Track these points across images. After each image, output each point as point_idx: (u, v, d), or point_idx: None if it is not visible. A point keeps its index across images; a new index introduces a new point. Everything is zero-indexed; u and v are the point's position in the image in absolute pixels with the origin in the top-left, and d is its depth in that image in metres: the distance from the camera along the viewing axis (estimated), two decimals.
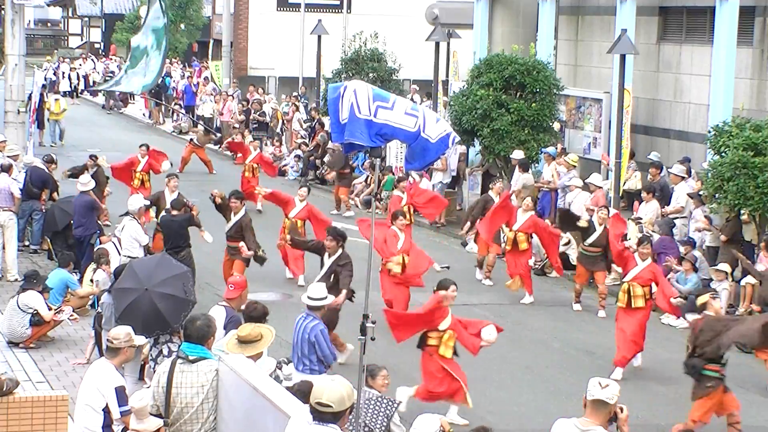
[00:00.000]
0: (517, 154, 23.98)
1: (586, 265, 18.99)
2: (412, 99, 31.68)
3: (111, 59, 58.88)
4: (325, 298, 12.30)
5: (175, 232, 17.91)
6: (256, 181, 26.60)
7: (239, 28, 47.14)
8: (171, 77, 46.74)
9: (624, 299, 15.84)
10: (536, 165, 24.90)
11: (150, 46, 24.35)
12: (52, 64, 55.84)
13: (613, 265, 18.40)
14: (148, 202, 18.47)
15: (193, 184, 28.69)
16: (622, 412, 7.60)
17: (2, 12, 29.55)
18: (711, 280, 18.58)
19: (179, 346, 11.47)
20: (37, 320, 15.45)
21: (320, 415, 7.28)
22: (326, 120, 30.59)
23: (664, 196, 21.70)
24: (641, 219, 20.77)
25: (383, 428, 10.20)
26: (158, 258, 13.79)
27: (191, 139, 32.89)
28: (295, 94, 37.83)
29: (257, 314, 11.32)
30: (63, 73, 55.16)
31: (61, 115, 37.06)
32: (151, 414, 9.60)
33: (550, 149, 24.31)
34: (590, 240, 18.85)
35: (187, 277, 12.82)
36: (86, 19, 74.87)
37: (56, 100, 37.44)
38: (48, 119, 36.43)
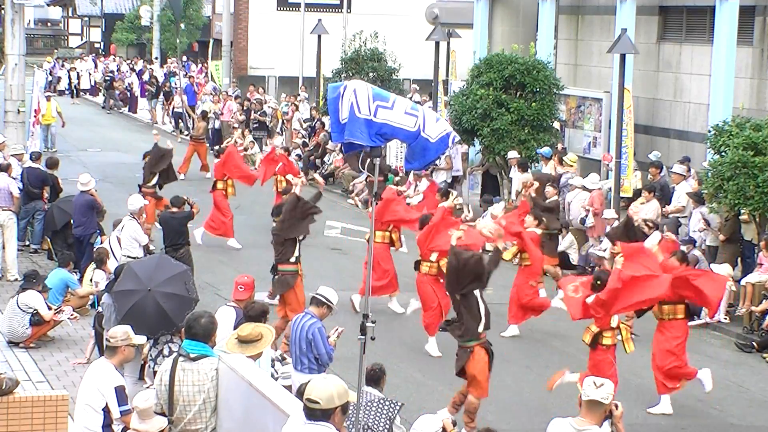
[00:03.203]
0: (512, 154, 23.99)
1: None
2: (412, 99, 31.66)
3: (111, 59, 58.88)
4: (331, 300, 12.22)
5: (174, 230, 17.88)
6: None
7: (239, 28, 47.13)
8: (176, 76, 46.68)
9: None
10: (536, 165, 24.89)
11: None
12: (50, 64, 55.89)
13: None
14: (147, 202, 18.37)
15: (192, 184, 28.75)
16: (617, 408, 7.60)
17: (2, 12, 29.52)
18: None
19: (179, 345, 11.50)
20: (37, 320, 15.45)
21: (310, 411, 7.39)
22: (327, 120, 30.57)
23: (664, 195, 21.70)
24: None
25: (386, 430, 10.19)
26: (157, 258, 13.78)
27: (191, 136, 32.46)
28: (301, 94, 37.64)
29: (255, 313, 11.31)
30: (62, 73, 55.24)
31: (54, 119, 34.84)
32: (156, 413, 9.62)
33: (545, 150, 24.29)
34: None
35: (187, 275, 12.83)
36: (86, 18, 74.88)
37: (48, 99, 35.00)
38: (39, 123, 34.72)
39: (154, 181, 22.28)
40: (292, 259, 16.19)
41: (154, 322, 12.21)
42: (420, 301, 16.50)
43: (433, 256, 16.06)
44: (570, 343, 17.04)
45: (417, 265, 16.41)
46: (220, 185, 22.84)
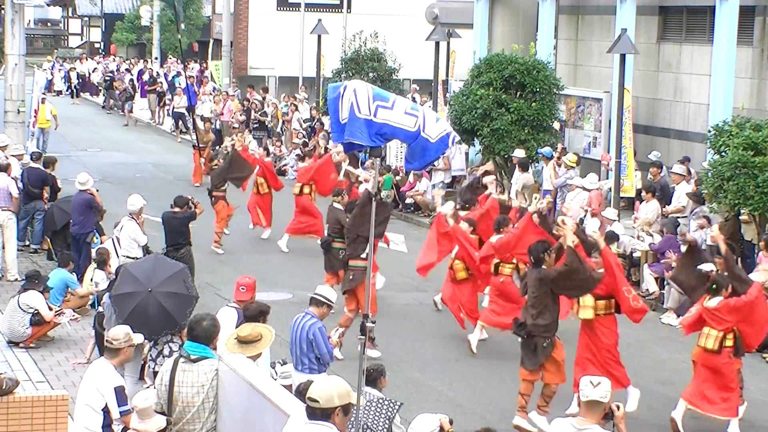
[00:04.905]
0: (519, 153, 23.97)
1: None
2: (413, 99, 31.66)
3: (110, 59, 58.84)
4: (330, 300, 12.21)
5: (175, 230, 17.86)
6: (264, 203, 23.37)
7: (239, 28, 47.14)
8: (180, 75, 46.69)
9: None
10: (536, 165, 24.90)
11: None
12: (50, 64, 55.84)
13: None
14: (145, 202, 18.29)
15: (191, 185, 28.73)
16: (618, 409, 7.63)
17: (2, 12, 29.52)
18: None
19: (180, 345, 11.52)
20: (37, 320, 15.45)
21: (310, 410, 7.45)
22: (326, 120, 30.55)
23: (664, 195, 21.70)
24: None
25: (385, 429, 10.20)
26: (153, 258, 13.78)
27: (194, 145, 31.80)
28: (301, 94, 37.59)
29: (252, 313, 11.29)
30: (61, 72, 55.21)
31: (48, 123, 33.36)
32: (156, 412, 9.64)
33: (545, 150, 24.28)
34: None
35: (186, 273, 12.84)
36: (86, 18, 74.91)
37: (43, 101, 33.36)
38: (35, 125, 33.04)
39: (225, 186, 22.34)
40: (363, 255, 15.59)
41: (157, 322, 12.21)
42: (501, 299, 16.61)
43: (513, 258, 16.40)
44: (569, 343, 17.03)
45: (497, 268, 16.46)
46: (306, 189, 22.54)
